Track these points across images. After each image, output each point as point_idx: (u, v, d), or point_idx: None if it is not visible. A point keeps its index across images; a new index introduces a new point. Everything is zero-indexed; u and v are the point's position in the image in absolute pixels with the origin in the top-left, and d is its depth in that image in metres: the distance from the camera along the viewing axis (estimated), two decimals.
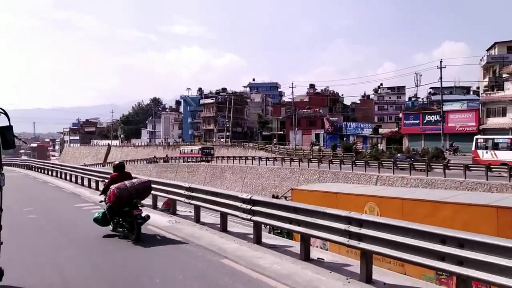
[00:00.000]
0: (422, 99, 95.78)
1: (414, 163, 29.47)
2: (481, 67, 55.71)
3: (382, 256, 5.67)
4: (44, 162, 33.75)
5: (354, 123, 62.61)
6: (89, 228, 9.48)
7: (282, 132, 69.90)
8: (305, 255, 6.70)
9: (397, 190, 13.36)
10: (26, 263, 6.87)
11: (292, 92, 61.72)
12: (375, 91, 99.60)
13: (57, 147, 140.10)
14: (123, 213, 8.59)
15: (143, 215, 8.47)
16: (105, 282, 5.92)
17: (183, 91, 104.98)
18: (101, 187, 17.62)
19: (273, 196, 24.48)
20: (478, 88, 73.17)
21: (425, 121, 48.58)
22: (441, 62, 43.48)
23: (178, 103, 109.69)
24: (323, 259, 6.79)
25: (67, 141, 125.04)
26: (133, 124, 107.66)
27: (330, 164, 35.41)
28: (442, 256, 4.68)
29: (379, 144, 50.54)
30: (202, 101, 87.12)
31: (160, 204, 12.54)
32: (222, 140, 73.07)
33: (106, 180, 9.72)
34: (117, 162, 9.92)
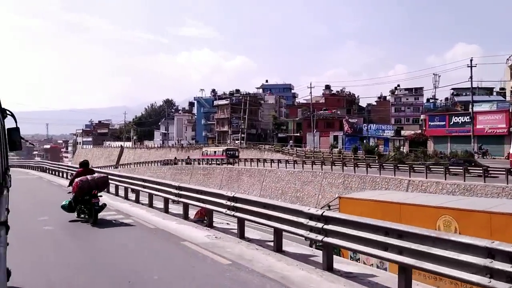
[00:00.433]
0: (441, 100, 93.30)
1: (450, 168, 27.49)
2: (508, 67, 53.42)
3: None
4: (58, 164, 32.56)
5: (374, 125, 60.51)
6: (113, 244, 8.02)
7: (298, 134, 68.07)
8: None
9: (479, 201, 11.49)
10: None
11: (311, 93, 59.91)
12: (392, 92, 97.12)
13: (69, 148, 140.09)
14: (85, 201, 10.43)
15: (100, 203, 10.38)
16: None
17: (194, 93, 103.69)
18: (120, 191, 16.30)
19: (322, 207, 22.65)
20: (502, 89, 70.65)
21: (451, 123, 46.44)
22: (471, 60, 41.39)
23: (191, 104, 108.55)
24: None
25: (79, 142, 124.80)
26: (145, 125, 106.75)
27: (356, 168, 33.59)
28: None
29: (402, 147, 48.47)
30: (216, 103, 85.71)
31: (191, 213, 11.02)
32: (236, 142, 71.48)
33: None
34: (82, 160, 12.14)
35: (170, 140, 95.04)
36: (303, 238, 7.11)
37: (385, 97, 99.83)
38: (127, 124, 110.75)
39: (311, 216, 6.37)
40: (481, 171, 25.34)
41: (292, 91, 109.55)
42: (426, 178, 28.16)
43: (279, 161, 43.03)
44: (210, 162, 54.75)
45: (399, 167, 30.58)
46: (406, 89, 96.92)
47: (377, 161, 38.86)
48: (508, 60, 52.55)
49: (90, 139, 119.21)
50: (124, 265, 6.84)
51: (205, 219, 10.50)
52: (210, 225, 9.76)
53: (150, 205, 13.14)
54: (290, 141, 66.16)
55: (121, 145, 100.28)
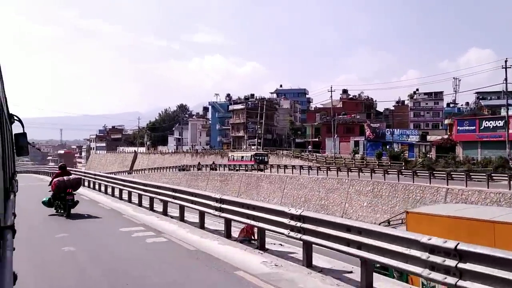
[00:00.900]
0: (462, 105, 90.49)
1: (493, 175, 25.40)
2: None
3: None
4: (75, 171, 31.17)
5: (398, 130, 58.26)
6: (157, 272, 6.34)
7: (317, 139, 66.14)
8: None
9: None
10: None
11: (331, 96, 58.04)
12: (411, 96, 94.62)
13: (83, 154, 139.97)
14: (61, 198, 12.44)
15: (75, 200, 12.58)
16: None
17: (206, 99, 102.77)
18: (143, 202, 14.72)
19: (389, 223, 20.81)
20: None
21: (482, 128, 44.07)
22: (505, 61, 39.01)
23: (205, 109, 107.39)
24: None
25: (93, 148, 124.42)
26: (159, 130, 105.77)
27: (386, 175, 31.64)
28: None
29: (429, 153, 46.20)
30: (231, 107, 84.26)
31: (233, 230, 9.31)
32: (253, 147, 69.83)
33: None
34: (61, 163, 15.48)
35: (184, 146, 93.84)
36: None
37: (403, 101, 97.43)
38: (141, 130, 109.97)
39: (433, 249, 4.60)
40: None
41: (307, 95, 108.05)
42: (466, 187, 26.14)
43: (301, 167, 41.26)
44: (237, 168, 51.78)
45: (435, 175, 28.54)
46: (425, 94, 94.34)
47: (403, 168, 36.87)
48: None
49: (104, 144, 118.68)
50: None
51: (251, 238, 8.82)
52: (262, 247, 8.03)
53: (181, 218, 11.48)
54: (309, 147, 64.30)
55: (134, 151, 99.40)
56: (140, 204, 14.78)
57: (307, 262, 6.81)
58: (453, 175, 27.31)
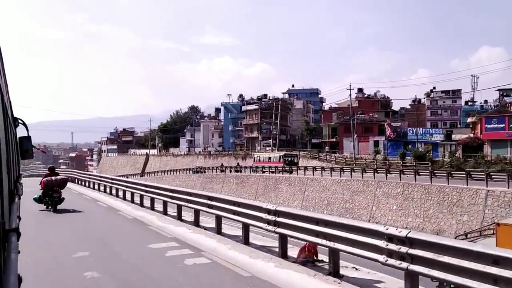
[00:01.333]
0: (480, 103, 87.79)
1: None
2: None
3: None
4: (89, 175, 29.80)
5: (421, 128, 56.07)
6: None
7: (334, 140, 64.17)
8: None
9: None
10: None
11: (350, 95, 56.13)
12: (427, 95, 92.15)
13: (94, 156, 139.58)
14: (49, 195, 14.30)
15: (61, 197, 14.52)
16: None
17: (216, 100, 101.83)
18: (169, 210, 13.16)
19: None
20: None
21: (511, 125, 41.87)
22: None
23: (217, 110, 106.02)
24: None
25: (104, 150, 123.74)
26: (171, 132, 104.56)
27: (416, 176, 29.71)
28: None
29: (456, 152, 44.01)
30: (244, 108, 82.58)
31: (290, 249, 7.61)
32: (267, 148, 68.03)
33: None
34: (50, 166, 17.63)
35: (196, 147, 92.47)
36: None
37: (420, 100, 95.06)
38: (152, 132, 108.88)
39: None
40: None
41: (319, 95, 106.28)
42: (509, 188, 24.15)
43: (322, 168, 39.41)
44: (263, 170, 48.23)
45: (472, 175, 26.57)
46: (442, 92, 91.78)
47: (429, 168, 34.89)
48: None
49: (115, 147, 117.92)
50: None
51: (314, 258, 7.12)
52: (336, 273, 6.31)
53: (219, 231, 9.78)
54: (326, 147, 62.36)
55: (146, 153, 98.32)
56: (165, 212, 13.19)
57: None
58: (493, 176, 25.34)
